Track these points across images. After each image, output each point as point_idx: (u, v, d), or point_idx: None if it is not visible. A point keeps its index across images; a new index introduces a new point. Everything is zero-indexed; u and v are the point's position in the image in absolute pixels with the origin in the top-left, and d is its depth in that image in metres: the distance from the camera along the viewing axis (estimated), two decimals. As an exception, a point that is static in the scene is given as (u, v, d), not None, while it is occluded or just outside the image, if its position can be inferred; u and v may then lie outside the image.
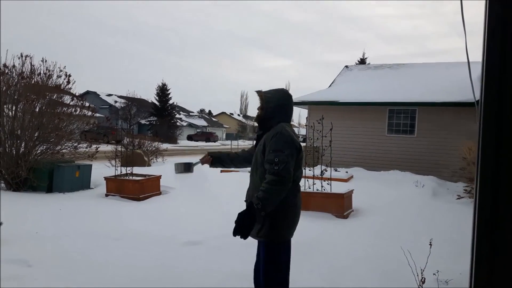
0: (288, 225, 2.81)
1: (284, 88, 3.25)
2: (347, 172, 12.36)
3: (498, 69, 1.23)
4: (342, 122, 14.43)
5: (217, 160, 3.30)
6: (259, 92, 2.98)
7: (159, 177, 9.44)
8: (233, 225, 2.64)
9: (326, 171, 8.42)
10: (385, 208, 7.93)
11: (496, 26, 1.24)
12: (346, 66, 19.89)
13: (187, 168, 3.35)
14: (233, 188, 7.88)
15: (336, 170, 11.73)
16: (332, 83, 18.61)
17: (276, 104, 2.91)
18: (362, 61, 38.11)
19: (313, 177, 8.27)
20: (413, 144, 14.08)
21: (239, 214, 2.65)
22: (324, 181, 8.07)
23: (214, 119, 77.83)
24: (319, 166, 10.60)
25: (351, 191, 7.83)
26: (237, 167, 3.36)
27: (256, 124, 3.13)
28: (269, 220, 2.69)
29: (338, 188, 7.98)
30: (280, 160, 2.62)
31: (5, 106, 9.83)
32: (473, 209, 1.28)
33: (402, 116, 14.33)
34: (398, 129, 14.43)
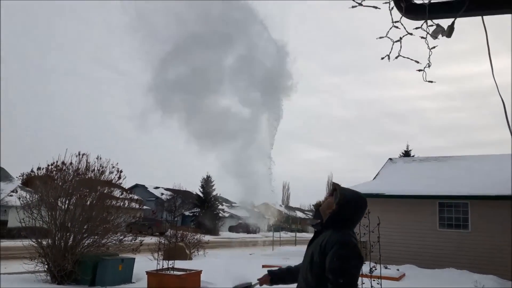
0: None
1: (361, 193, 2.91)
2: (398, 269, 11.58)
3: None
4: (389, 215, 13.88)
5: (277, 278, 3.04)
6: (337, 185, 2.74)
7: (200, 272, 9.25)
8: None
9: (376, 268, 7.94)
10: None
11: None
12: (390, 159, 19.71)
13: None
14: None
15: (386, 268, 11.02)
16: (376, 175, 18.35)
17: (351, 206, 2.64)
18: (407, 153, 37.71)
19: (362, 275, 7.78)
20: (467, 240, 13.16)
21: None
22: (374, 279, 7.57)
23: (256, 210, 77.30)
24: (367, 263, 10.03)
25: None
26: None
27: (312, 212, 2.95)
28: None
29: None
30: (345, 272, 2.38)
31: (59, 199, 10.37)
32: None
33: (453, 210, 13.64)
34: (451, 223, 13.66)
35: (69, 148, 10.94)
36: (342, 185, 2.78)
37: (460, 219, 13.53)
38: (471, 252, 12.88)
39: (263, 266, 11.04)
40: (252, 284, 3.09)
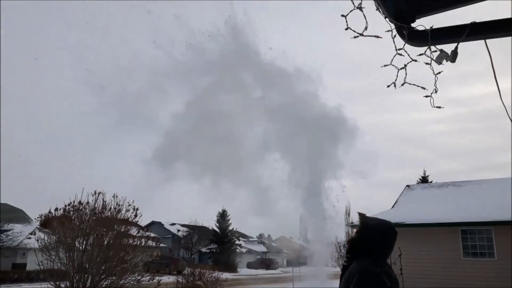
0: None
1: (390, 222, 2.80)
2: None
3: None
4: (410, 245, 13.49)
5: None
6: (360, 214, 2.64)
7: (220, 311, 9.05)
8: None
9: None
10: None
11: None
12: (408, 186, 19.40)
13: None
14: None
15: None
16: (395, 203, 18.02)
17: (376, 235, 2.51)
18: (424, 179, 37.09)
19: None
20: (493, 269, 12.63)
21: None
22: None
23: (273, 244, 76.04)
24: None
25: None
26: None
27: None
28: None
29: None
30: None
31: (76, 240, 10.39)
32: None
33: (477, 238, 13.20)
34: (475, 251, 13.18)
35: (86, 187, 11.05)
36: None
37: (485, 247, 13.07)
38: (499, 281, 12.34)
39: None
40: None
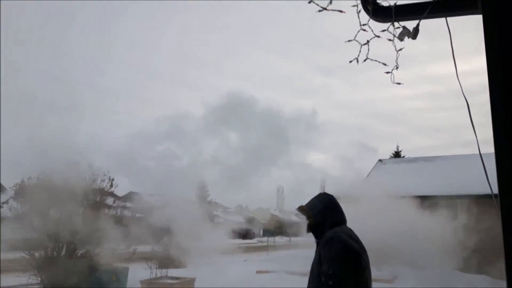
0: None
1: (321, 192, 2.99)
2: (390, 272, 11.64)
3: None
4: (378, 216, 13.91)
5: None
6: (300, 208, 2.79)
7: (193, 279, 9.25)
8: None
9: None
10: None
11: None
12: (380, 160, 19.83)
13: None
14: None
15: (378, 270, 11.09)
16: (367, 176, 18.46)
17: (321, 207, 2.69)
18: (397, 154, 37.92)
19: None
20: (456, 239, 13.16)
21: None
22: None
23: (250, 215, 77.22)
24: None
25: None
26: None
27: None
28: None
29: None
30: (333, 273, 2.27)
31: (50, 209, 10.31)
32: None
33: (443, 210, 13.72)
34: (440, 222, 13.72)
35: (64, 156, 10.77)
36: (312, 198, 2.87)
37: (449, 218, 13.61)
38: (461, 252, 12.92)
39: (257, 272, 11.05)
40: None
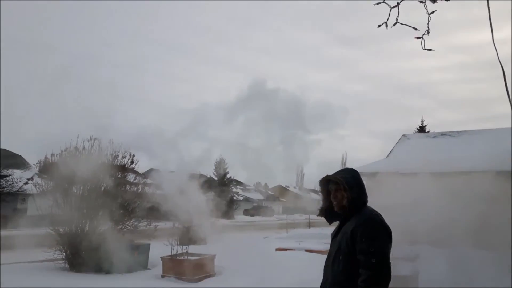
0: None
1: (346, 167, 2.88)
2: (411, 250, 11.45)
3: None
4: (402, 194, 13.67)
5: None
6: (333, 176, 2.63)
7: (214, 256, 9.32)
8: None
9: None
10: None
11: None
12: (404, 135, 19.38)
13: None
14: (289, 268, 7.54)
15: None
16: (390, 153, 18.10)
17: (356, 183, 2.57)
18: (422, 129, 37.08)
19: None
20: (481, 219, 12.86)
21: None
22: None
23: (270, 192, 77.61)
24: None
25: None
26: None
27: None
28: None
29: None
30: (376, 250, 2.30)
31: (74, 186, 10.45)
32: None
33: (471, 186, 13.35)
34: (467, 200, 13.39)
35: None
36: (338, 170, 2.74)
37: (476, 195, 13.24)
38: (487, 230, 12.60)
39: (277, 249, 11.07)
40: None
